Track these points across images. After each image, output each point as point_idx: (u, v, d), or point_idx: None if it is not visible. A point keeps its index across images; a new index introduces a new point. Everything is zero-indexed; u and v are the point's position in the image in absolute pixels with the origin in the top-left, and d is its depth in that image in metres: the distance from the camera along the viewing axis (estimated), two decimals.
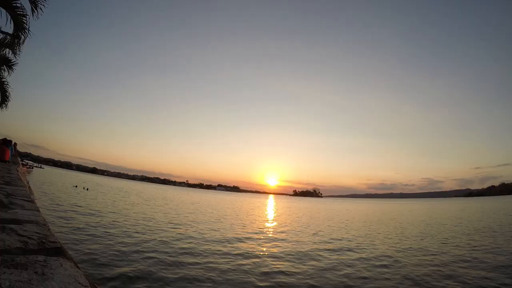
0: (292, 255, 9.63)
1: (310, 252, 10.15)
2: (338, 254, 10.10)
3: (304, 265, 8.43)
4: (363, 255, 9.96)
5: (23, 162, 57.40)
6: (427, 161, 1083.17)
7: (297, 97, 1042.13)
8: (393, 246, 11.92)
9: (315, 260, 9.07)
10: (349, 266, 8.44)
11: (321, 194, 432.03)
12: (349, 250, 10.97)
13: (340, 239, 13.55)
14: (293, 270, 7.82)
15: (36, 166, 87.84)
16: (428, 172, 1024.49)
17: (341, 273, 7.75)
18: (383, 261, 9.14)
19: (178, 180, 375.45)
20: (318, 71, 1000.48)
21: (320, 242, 12.47)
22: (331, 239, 13.62)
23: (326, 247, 11.35)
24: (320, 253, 10.18)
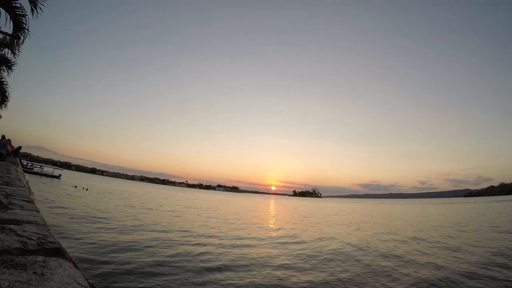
0: None
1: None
2: None
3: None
4: None
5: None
6: (420, 163, 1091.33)
7: (296, 101, 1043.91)
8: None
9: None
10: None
11: (321, 194, 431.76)
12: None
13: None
14: None
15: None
16: (422, 173, 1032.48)
17: None
18: None
19: (177, 180, 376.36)
20: (315, 82, 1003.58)
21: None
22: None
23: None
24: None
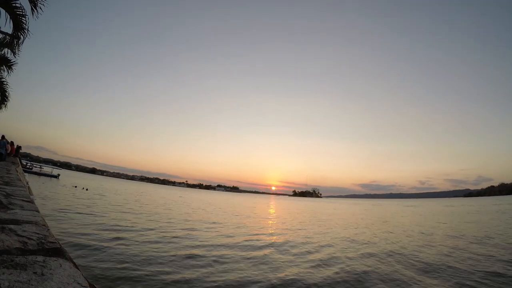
0: None
1: None
2: None
3: None
4: None
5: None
6: (420, 163, 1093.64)
7: (296, 100, 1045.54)
8: None
9: None
10: None
11: (321, 194, 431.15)
12: None
13: None
14: None
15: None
16: (422, 173, 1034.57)
17: None
18: None
19: (177, 180, 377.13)
20: (316, 82, 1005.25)
21: None
22: None
23: None
24: None
